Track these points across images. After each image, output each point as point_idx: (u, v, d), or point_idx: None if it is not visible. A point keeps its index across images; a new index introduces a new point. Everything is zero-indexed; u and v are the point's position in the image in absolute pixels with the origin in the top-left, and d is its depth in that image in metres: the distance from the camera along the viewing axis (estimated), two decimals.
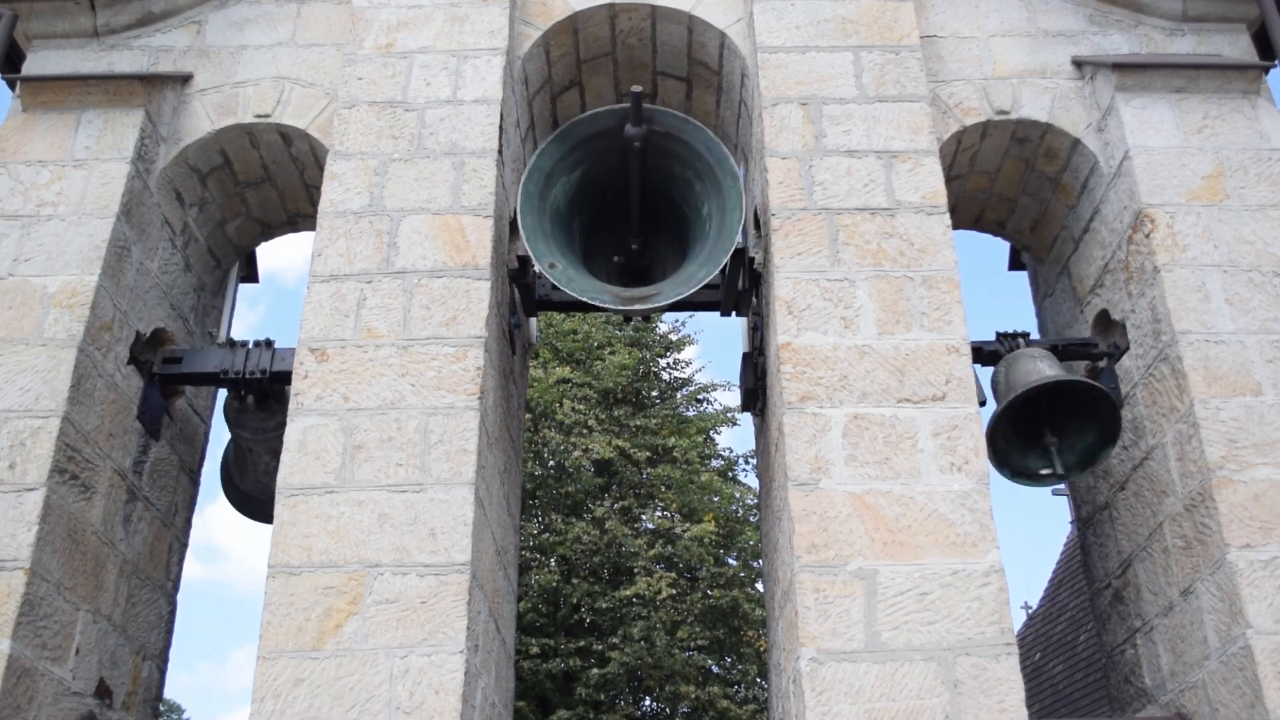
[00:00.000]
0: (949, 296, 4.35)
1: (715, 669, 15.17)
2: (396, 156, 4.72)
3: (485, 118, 4.79)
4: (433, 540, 3.92)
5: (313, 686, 3.68)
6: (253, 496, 5.46)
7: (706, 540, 14.84)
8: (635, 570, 14.19)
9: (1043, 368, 4.85)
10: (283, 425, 4.20)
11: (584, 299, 4.51)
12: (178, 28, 5.38)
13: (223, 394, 5.56)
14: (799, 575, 3.83)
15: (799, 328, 4.30)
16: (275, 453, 4.91)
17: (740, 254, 4.63)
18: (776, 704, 4.52)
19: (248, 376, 4.90)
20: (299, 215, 5.76)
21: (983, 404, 4.32)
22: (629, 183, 4.82)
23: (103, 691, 4.50)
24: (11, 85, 5.13)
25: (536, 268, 4.60)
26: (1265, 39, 5.23)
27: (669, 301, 4.68)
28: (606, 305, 4.53)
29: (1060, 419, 4.89)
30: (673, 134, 4.79)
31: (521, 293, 5.09)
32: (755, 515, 16.16)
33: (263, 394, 5.02)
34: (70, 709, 4.23)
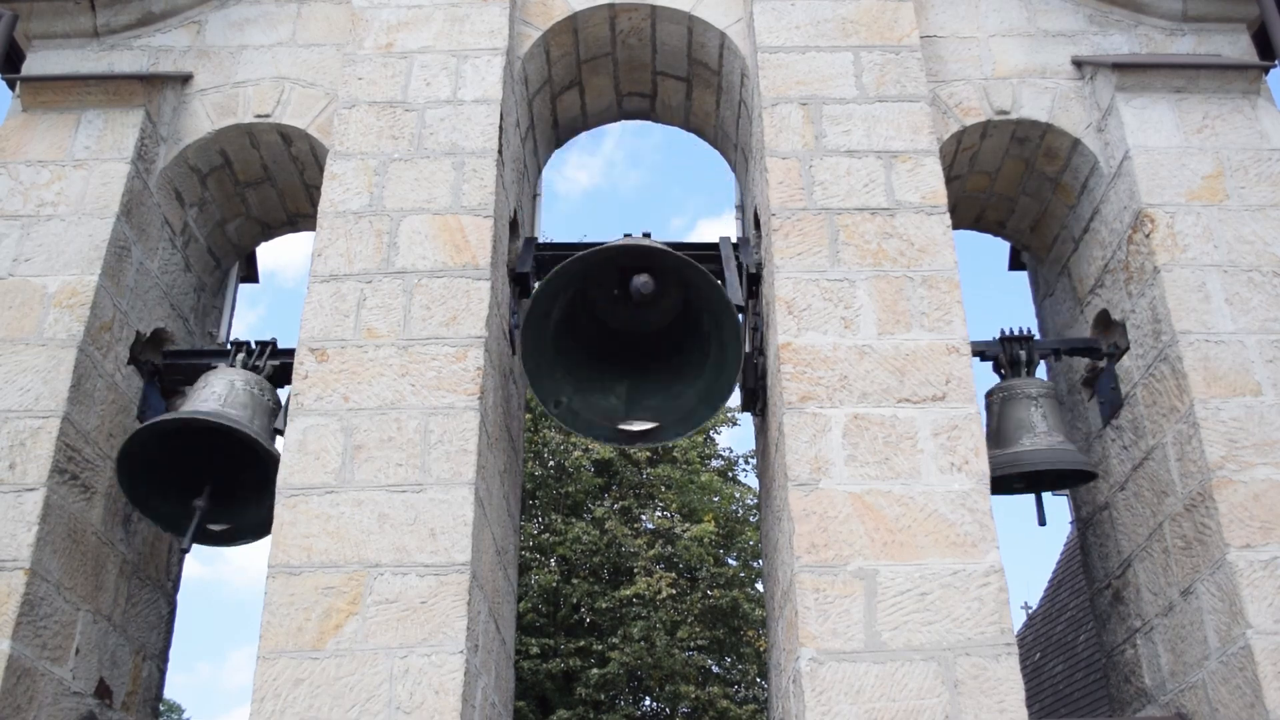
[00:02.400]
0: (949, 296, 4.35)
1: (715, 669, 15.19)
2: (396, 156, 4.72)
3: (485, 118, 4.79)
4: (433, 540, 3.92)
5: (313, 686, 3.68)
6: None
7: (706, 540, 14.85)
8: (635, 570, 14.20)
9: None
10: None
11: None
12: (178, 28, 5.38)
13: None
14: (799, 575, 3.83)
15: (799, 328, 4.30)
16: None
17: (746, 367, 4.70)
18: (776, 704, 4.52)
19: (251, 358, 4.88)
20: (299, 215, 5.76)
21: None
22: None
23: (103, 691, 4.50)
24: (11, 85, 5.13)
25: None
26: (1265, 39, 5.23)
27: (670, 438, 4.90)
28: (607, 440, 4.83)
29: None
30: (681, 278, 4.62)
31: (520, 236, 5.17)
32: (755, 515, 16.15)
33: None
34: (70, 709, 4.23)
